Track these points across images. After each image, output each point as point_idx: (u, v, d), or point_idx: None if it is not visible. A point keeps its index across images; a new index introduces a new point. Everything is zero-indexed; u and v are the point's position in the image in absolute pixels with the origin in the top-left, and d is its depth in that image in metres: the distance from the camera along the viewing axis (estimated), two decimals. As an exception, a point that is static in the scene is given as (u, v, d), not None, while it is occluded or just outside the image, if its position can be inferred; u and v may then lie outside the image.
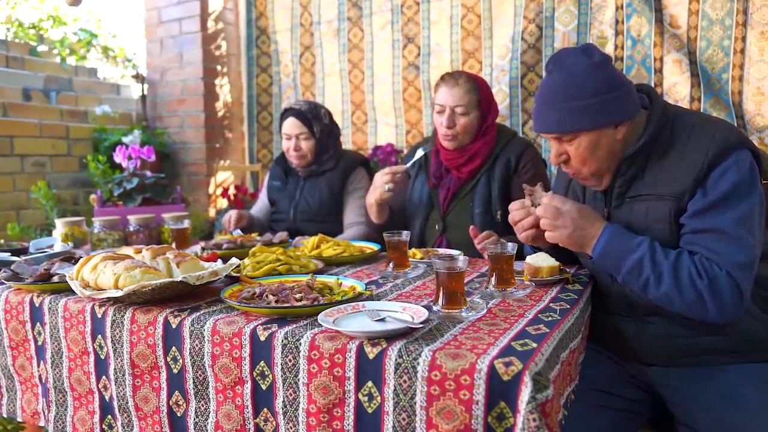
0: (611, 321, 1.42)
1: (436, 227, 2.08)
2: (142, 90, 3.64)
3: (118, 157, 2.56)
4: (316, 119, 2.36)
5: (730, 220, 1.21)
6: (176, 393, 1.20)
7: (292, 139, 2.36)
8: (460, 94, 1.97)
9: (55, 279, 1.44)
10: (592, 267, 1.43)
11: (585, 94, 1.27)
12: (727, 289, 1.19)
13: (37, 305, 1.38)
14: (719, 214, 1.22)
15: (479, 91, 2.01)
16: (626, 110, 1.30)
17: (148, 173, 2.58)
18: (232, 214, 2.34)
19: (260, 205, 2.62)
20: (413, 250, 1.77)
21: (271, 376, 1.08)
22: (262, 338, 1.09)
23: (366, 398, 0.99)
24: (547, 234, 1.32)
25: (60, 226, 2.19)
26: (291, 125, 2.35)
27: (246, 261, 1.58)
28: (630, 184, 1.35)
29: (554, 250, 1.47)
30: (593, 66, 1.28)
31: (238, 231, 2.31)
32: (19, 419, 1.47)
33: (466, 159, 2.04)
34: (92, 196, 2.62)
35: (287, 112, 2.38)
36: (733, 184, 1.21)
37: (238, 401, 1.12)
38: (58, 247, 1.99)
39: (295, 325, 1.10)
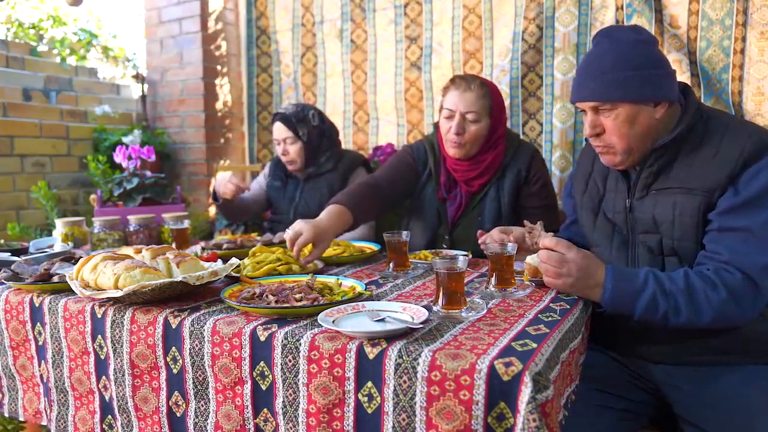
0: (618, 318, 1.42)
1: (444, 245, 2.01)
2: (142, 90, 3.64)
3: (118, 157, 2.56)
4: (302, 123, 2.35)
5: (761, 221, 1.21)
6: (176, 393, 1.20)
7: (280, 143, 2.37)
8: (473, 99, 1.84)
9: (55, 279, 1.44)
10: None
11: (630, 66, 1.28)
12: (745, 291, 1.19)
13: (37, 305, 1.38)
14: (750, 214, 1.21)
15: (492, 98, 1.89)
16: (667, 90, 1.31)
17: (148, 173, 2.58)
18: (226, 179, 2.38)
19: (256, 189, 2.57)
20: (423, 252, 1.73)
21: (271, 376, 1.08)
22: (262, 338, 1.09)
23: (366, 398, 0.99)
24: (547, 280, 1.28)
25: (60, 226, 2.19)
26: (278, 130, 2.37)
27: (246, 261, 1.58)
28: (657, 177, 1.35)
29: None
30: (641, 42, 1.30)
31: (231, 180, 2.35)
32: (21, 418, 1.47)
33: (478, 173, 1.92)
34: (92, 196, 2.62)
35: (275, 117, 2.39)
36: (766, 185, 1.21)
37: (238, 401, 1.12)
38: (58, 247, 1.99)
39: (295, 326, 1.10)
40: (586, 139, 1.52)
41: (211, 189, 2.38)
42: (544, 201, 1.97)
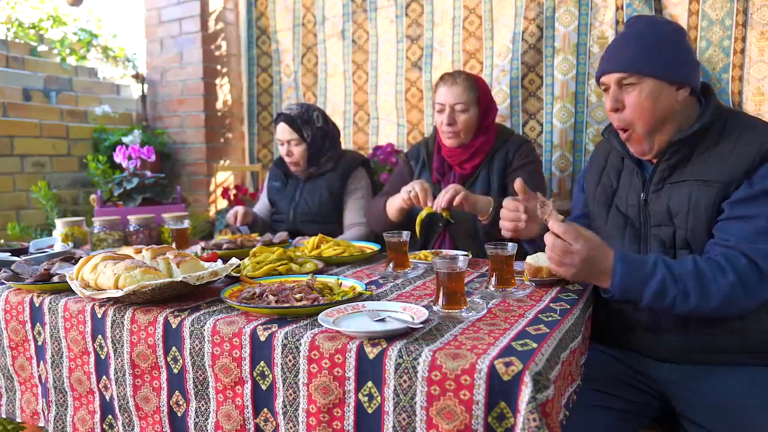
0: (624, 315, 1.41)
1: (439, 223, 2.09)
2: (142, 90, 3.64)
3: (118, 157, 2.56)
4: (306, 124, 2.35)
5: None
6: (176, 393, 1.20)
7: (284, 144, 2.37)
8: (459, 91, 2.01)
9: (55, 279, 1.44)
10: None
11: (659, 46, 1.32)
12: (752, 276, 1.19)
13: (37, 305, 1.38)
14: (762, 204, 1.22)
15: (478, 89, 2.05)
16: (691, 76, 1.34)
17: (148, 173, 2.58)
18: (239, 209, 2.35)
19: (260, 205, 2.62)
20: (423, 252, 1.76)
21: (271, 376, 1.08)
22: (262, 338, 1.09)
23: (366, 398, 0.99)
24: (551, 266, 1.28)
25: (60, 226, 2.19)
26: (281, 131, 2.36)
27: (246, 261, 1.58)
28: (673, 170, 1.36)
29: None
30: (676, 31, 1.36)
31: (245, 228, 2.31)
32: (18, 419, 1.47)
33: (468, 155, 2.07)
34: (92, 196, 2.62)
35: (278, 117, 2.39)
36: None
37: (238, 401, 1.12)
38: (58, 247, 1.99)
39: (295, 325, 1.10)
40: (603, 132, 1.53)
41: (230, 216, 2.39)
42: (528, 175, 1.98)
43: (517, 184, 1.50)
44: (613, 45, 1.39)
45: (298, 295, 1.22)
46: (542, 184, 2.12)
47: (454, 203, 1.77)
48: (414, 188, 1.86)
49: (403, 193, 1.90)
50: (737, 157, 1.26)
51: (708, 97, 1.37)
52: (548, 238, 1.26)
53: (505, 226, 1.54)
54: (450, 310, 1.14)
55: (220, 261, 1.50)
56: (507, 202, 1.54)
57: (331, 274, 1.55)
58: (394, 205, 2.00)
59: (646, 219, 1.40)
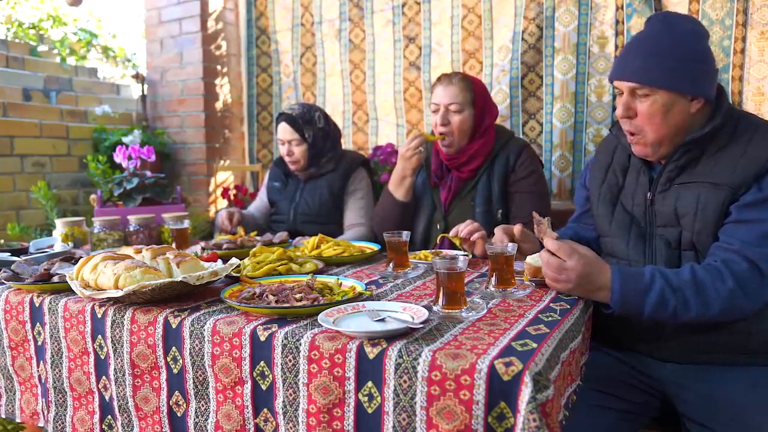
0: (627, 317, 1.41)
1: (438, 226, 2.09)
2: (142, 90, 3.64)
3: (118, 157, 2.56)
4: (308, 124, 2.35)
5: None
6: (176, 393, 1.20)
7: (285, 144, 2.37)
8: (455, 92, 2.00)
9: (55, 279, 1.44)
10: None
11: (677, 55, 1.28)
12: (752, 280, 1.19)
13: (37, 305, 1.38)
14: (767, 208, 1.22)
15: (473, 90, 2.03)
16: (707, 87, 1.31)
17: (148, 173, 2.58)
18: (223, 213, 2.34)
19: (259, 204, 2.62)
20: (423, 252, 1.76)
21: (271, 376, 1.08)
22: (262, 338, 1.09)
23: (366, 398, 0.99)
24: (548, 282, 1.30)
25: (60, 226, 2.19)
26: (283, 131, 2.36)
27: (246, 261, 1.58)
28: (682, 171, 1.35)
29: None
30: (696, 34, 1.31)
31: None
32: (18, 420, 1.47)
33: (466, 158, 2.05)
34: (92, 196, 2.62)
35: (280, 117, 2.39)
36: None
37: (238, 401, 1.12)
38: (58, 247, 1.99)
39: (295, 325, 1.10)
40: (611, 129, 1.52)
41: (218, 221, 2.37)
42: (532, 187, 2.03)
43: (517, 229, 1.53)
44: (630, 47, 1.35)
45: (298, 295, 1.22)
46: (545, 191, 2.10)
47: (472, 239, 1.69)
48: (411, 144, 1.99)
49: (406, 153, 2.00)
50: (748, 160, 1.25)
51: (720, 98, 1.35)
52: (543, 256, 1.28)
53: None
54: (450, 310, 1.14)
55: (220, 261, 1.49)
56: (497, 232, 1.55)
57: (331, 274, 1.55)
58: (395, 180, 2.07)
59: (651, 219, 1.40)
